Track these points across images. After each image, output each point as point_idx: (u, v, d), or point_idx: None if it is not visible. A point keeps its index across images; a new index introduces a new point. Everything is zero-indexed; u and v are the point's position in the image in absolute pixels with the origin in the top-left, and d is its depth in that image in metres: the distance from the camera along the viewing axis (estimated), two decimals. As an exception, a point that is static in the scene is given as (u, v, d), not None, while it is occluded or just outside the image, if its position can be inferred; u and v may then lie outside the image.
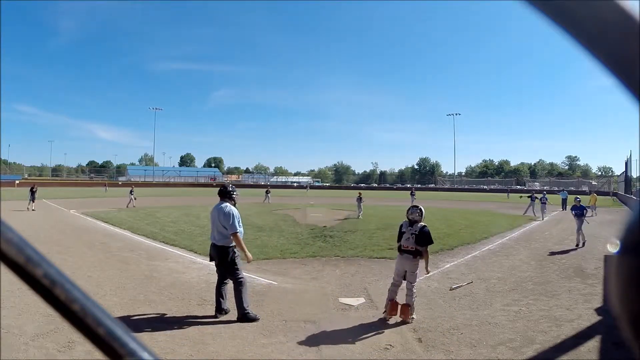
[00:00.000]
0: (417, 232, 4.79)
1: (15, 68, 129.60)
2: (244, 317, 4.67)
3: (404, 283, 4.88)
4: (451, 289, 6.20)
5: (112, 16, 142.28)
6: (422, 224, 4.90)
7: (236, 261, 4.79)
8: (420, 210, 4.99)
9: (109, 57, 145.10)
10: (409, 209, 5.06)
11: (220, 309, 4.82)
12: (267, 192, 29.18)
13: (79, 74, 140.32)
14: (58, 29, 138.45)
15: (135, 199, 22.37)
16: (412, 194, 29.25)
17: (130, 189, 23.50)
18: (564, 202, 24.06)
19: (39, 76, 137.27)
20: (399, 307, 4.74)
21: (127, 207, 21.32)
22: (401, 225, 4.99)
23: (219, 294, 4.85)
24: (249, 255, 4.93)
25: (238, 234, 4.78)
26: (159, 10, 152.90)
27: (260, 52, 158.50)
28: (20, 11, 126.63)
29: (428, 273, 5.16)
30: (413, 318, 4.75)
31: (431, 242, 4.87)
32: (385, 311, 4.82)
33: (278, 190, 50.73)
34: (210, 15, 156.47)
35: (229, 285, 4.87)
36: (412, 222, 4.90)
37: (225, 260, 4.77)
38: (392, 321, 4.75)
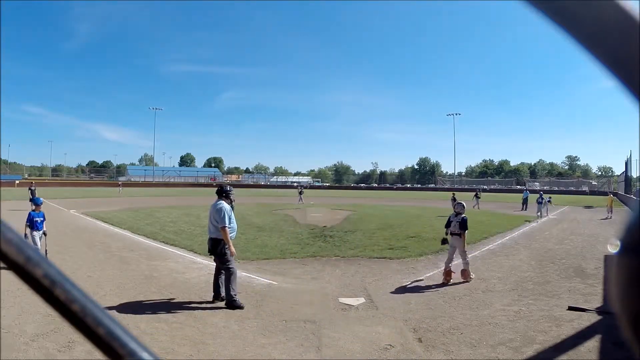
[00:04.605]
0: (460, 220, 6.74)
1: (26, 69, 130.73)
2: (231, 303, 5.12)
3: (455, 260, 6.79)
4: (570, 308, 5.24)
5: (124, 19, 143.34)
6: (464, 215, 6.84)
7: (226, 252, 5.27)
8: (463, 205, 7.07)
9: (119, 60, 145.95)
10: (456, 204, 7.20)
11: (217, 296, 5.36)
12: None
13: (88, 76, 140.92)
14: (73, 31, 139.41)
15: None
16: (476, 196, 25.65)
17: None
18: (525, 202, 24.09)
19: (49, 78, 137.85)
20: (454, 273, 6.60)
21: None
22: (449, 217, 6.98)
23: (216, 283, 5.40)
24: (233, 249, 5.37)
25: (226, 228, 5.24)
26: (170, 13, 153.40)
27: (267, 55, 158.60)
28: (38, 14, 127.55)
29: (465, 250, 6.78)
30: (472, 278, 6.66)
31: (467, 228, 6.75)
32: (443, 278, 6.58)
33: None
34: (217, 18, 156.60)
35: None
36: (457, 214, 6.85)
37: (216, 251, 5.32)
38: (392, 321, 4.77)
